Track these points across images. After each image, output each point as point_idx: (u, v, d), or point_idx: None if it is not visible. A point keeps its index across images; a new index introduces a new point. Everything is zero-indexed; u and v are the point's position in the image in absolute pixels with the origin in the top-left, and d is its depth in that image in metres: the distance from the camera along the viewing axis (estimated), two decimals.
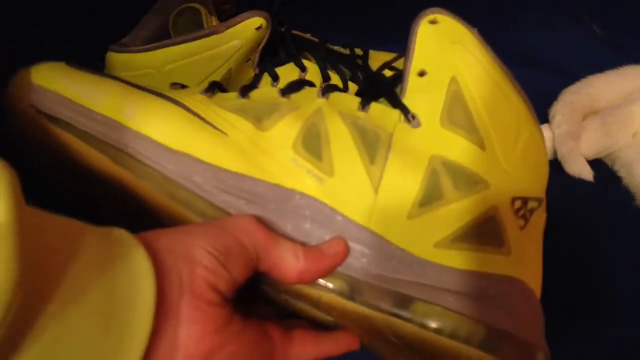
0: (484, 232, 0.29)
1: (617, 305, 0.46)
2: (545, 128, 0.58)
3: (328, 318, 0.30)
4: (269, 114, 0.30)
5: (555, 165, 0.56)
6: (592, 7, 0.75)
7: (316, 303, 0.29)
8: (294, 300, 0.30)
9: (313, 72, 0.50)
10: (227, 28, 0.43)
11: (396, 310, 0.28)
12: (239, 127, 0.30)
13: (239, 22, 0.43)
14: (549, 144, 0.57)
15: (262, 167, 0.29)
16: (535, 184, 0.32)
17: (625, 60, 0.62)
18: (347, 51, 0.54)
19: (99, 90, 0.30)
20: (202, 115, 0.30)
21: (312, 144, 0.29)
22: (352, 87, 0.52)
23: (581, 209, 0.53)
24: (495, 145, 0.30)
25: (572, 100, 0.59)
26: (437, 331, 0.27)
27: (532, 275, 0.31)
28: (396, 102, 0.30)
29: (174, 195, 0.29)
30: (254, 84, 0.47)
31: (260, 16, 0.44)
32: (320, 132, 0.29)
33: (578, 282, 0.47)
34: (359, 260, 0.28)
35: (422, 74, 0.31)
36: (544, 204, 0.32)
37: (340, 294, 0.28)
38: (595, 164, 0.57)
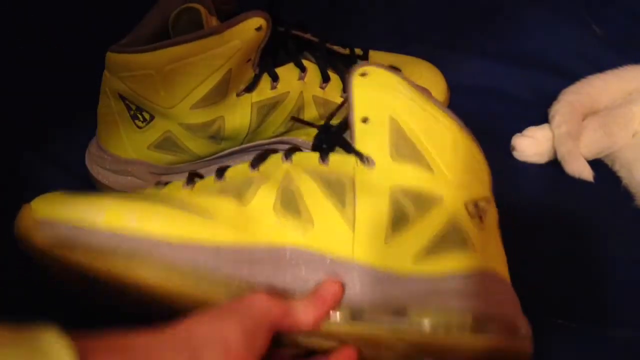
0: (450, 239, 0.35)
1: (617, 306, 0.46)
2: (545, 128, 0.58)
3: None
4: (246, 189, 0.36)
5: (555, 165, 0.56)
6: (592, 8, 0.75)
7: (327, 335, 0.34)
8: (308, 339, 0.34)
9: (313, 72, 0.50)
10: (227, 28, 0.42)
11: (395, 320, 0.33)
12: (223, 207, 0.35)
13: (239, 23, 0.43)
14: (549, 144, 0.57)
15: (252, 232, 0.35)
16: (480, 185, 0.37)
17: (625, 60, 0.62)
18: (347, 51, 0.54)
19: (98, 209, 0.35)
20: (190, 208, 0.35)
21: (290, 204, 0.35)
22: None
23: (581, 209, 0.53)
24: (440, 163, 0.36)
25: (572, 100, 0.59)
26: (433, 327, 0.33)
27: (499, 265, 0.37)
28: (350, 150, 0.36)
29: (182, 282, 0.34)
30: (253, 86, 0.47)
31: (260, 16, 0.44)
32: (293, 192, 0.35)
33: (578, 282, 0.47)
34: (354, 290, 0.34)
35: (364, 120, 0.36)
36: (492, 202, 0.38)
37: (346, 321, 0.33)
38: (595, 164, 0.57)
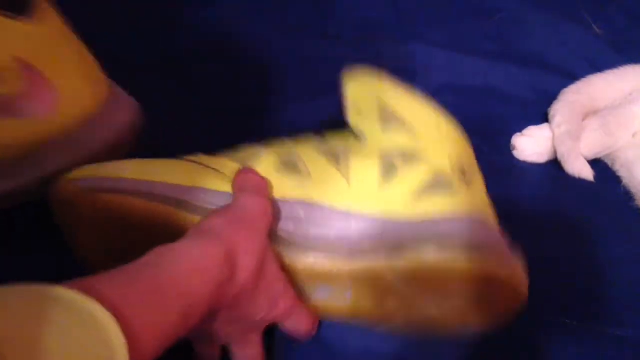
0: (437, 185, 0.38)
1: (616, 306, 0.46)
2: (545, 128, 0.58)
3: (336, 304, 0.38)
4: (252, 159, 0.39)
5: (555, 165, 0.56)
6: (592, 8, 0.75)
7: (329, 275, 0.37)
8: (309, 283, 0.38)
9: None
10: None
11: (392, 254, 0.36)
12: (230, 165, 0.39)
13: None
14: (549, 143, 0.57)
15: None
16: (464, 157, 0.40)
17: (625, 60, 0.62)
18: None
19: (125, 166, 0.39)
20: (205, 164, 0.39)
21: (290, 164, 0.38)
22: None
23: (581, 209, 0.53)
24: (423, 132, 0.39)
25: (572, 100, 0.59)
26: (432, 253, 0.35)
27: (489, 217, 0.39)
28: (347, 129, 0.40)
29: (191, 216, 0.37)
30: None
31: None
32: (293, 155, 0.39)
33: (578, 282, 0.47)
34: (352, 234, 0.37)
35: (359, 113, 0.41)
36: (478, 173, 0.41)
37: (345, 258, 0.36)
38: (595, 164, 0.57)
